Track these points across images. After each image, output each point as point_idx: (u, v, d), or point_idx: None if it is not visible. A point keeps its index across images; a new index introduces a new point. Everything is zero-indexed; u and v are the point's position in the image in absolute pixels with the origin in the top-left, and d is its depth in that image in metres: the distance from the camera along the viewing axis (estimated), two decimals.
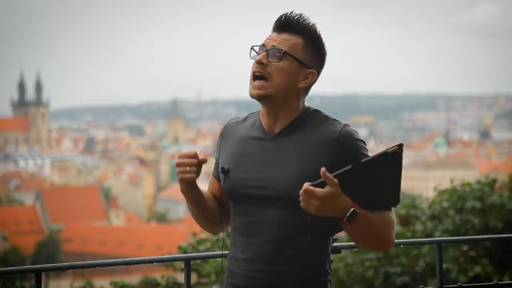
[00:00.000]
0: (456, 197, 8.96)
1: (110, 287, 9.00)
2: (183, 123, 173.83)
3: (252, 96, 2.52)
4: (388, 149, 2.33)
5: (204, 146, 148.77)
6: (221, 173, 2.59)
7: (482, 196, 8.85)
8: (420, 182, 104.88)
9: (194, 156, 2.52)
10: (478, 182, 9.20)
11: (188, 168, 2.52)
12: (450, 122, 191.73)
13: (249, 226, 2.51)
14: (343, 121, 2.55)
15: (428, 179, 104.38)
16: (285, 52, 2.50)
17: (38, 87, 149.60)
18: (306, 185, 2.28)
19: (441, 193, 9.36)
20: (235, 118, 2.68)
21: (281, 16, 2.55)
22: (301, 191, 2.28)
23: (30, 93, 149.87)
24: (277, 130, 2.54)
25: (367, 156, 2.47)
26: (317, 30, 2.56)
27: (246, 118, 2.65)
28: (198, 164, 2.53)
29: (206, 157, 2.55)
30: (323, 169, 2.27)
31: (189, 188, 2.56)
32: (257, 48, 2.55)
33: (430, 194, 10.78)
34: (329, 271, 2.53)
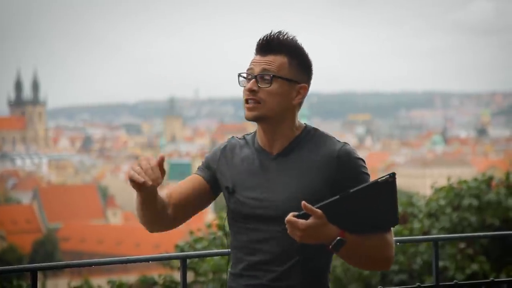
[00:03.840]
0: (453, 194, 8.97)
1: (108, 286, 8.99)
2: (180, 121, 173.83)
3: (248, 118, 2.56)
4: (379, 178, 2.38)
5: (201, 144, 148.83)
6: (227, 192, 2.62)
7: (479, 194, 8.86)
8: (417, 180, 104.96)
9: (158, 164, 2.48)
10: (475, 179, 9.21)
11: (148, 170, 2.48)
12: (447, 120, 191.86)
13: (251, 245, 2.56)
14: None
15: (425, 176, 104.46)
16: (274, 75, 2.54)
17: (35, 86, 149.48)
18: (290, 216, 2.37)
19: (438, 190, 9.37)
20: (237, 137, 2.71)
21: (262, 38, 2.58)
22: (285, 220, 2.36)
23: (27, 92, 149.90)
24: (276, 150, 2.58)
25: (367, 174, 2.53)
26: (299, 43, 2.59)
27: (244, 138, 2.69)
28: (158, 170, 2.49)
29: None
30: (303, 202, 2.35)
31: (145, 190, 2.52)
32: (244, 75, 2.59)
33: (427, 191, 10.80)
34: (329, 286, 2.60)
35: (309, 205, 2.35)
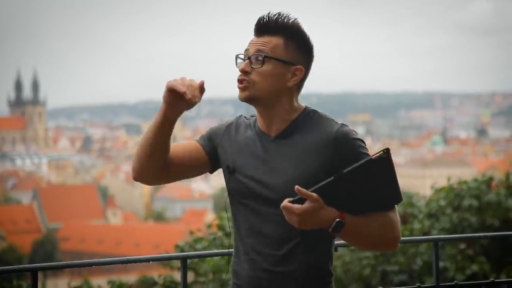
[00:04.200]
0: (453, 195, 8.97)
1: (108, 286, 8.99)
2: (180, 122, 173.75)
3: (240, 99, 2.53)
4: (373, 155, 2.32)
5: None
6: (227, 171, 2.59)
7: (479, 194, 8.86)
8: (417, 180, 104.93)
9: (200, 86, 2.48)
10: (475, 180, 9.20)
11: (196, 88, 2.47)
12: (447, 120, 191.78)
13: (251, 227, 2.53)
14: (341, 121, 2.54)
15: (425, 177, 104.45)
16: (266, 56, 2.50)
17: (35, 86, 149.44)
18: (285, 201, 2.33)
19: (438, 191, 9.37)
20: (245, 116, 2.67)
21: (259, 19, 2.54)
22: (281, 206, 2.33)
23: (27, 92, 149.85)
24: (275, 132, 2.55)
25: (366, 155, 2.46)
26: (298, 25, 2.54)
27: (249, 119, 2.65)
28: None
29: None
30: (296, 187, 2.31)
31: (175, 113, 2.49)
32: (242, 56, 2.56)
33: (427, 192, 10.79)
34: (332, 271, 2.54)
35: (303, 189, 2.30)
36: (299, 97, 2.62)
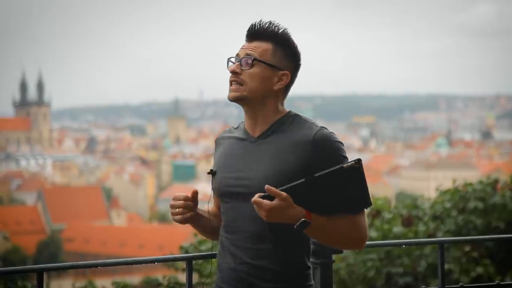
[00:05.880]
0: (458, 197, 8.95)
1: (112, 287, 9.00)
2: (184, 123, 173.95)
3: (229, 98, 2.71)
4: (344, 163, 2.46)
5: (206, 146, 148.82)
6: (208, 174, 2.78)
7: (484, 197, 8.84)
8: (422, 182, 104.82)
9: (185, 199, 2.73)
10: (480, 182, 9.18)
11: (177, 210, 2.74)
12: (451, 122, 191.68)
13: (231, 223, 2.69)
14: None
15: (429, 179, 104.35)
16: (255, 59, 2.68)
17: (40, 87, 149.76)
18: (256, 196, 2.48)
19: (443, 193, 9.35)
20: (228, 129, 2.86)
21: (250, 26, 2.72)
22: (252, 200, 2.49)
23: (32, 93, 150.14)
24: (258, 132, 2.71)
25: (344, 157, 2.60)
26: (287, 34, 2.72)
27: (238, 126, 2.82)
28: (190, 203, 2.74)
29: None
30: (266, 186, 2.47)
31: (186, 222, 2.77)
32: (233, 59, 2.74)
33: (432, 194, 10.78)
34: (309, 265, 2.67)
35: (273, 188, 2.44)
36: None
